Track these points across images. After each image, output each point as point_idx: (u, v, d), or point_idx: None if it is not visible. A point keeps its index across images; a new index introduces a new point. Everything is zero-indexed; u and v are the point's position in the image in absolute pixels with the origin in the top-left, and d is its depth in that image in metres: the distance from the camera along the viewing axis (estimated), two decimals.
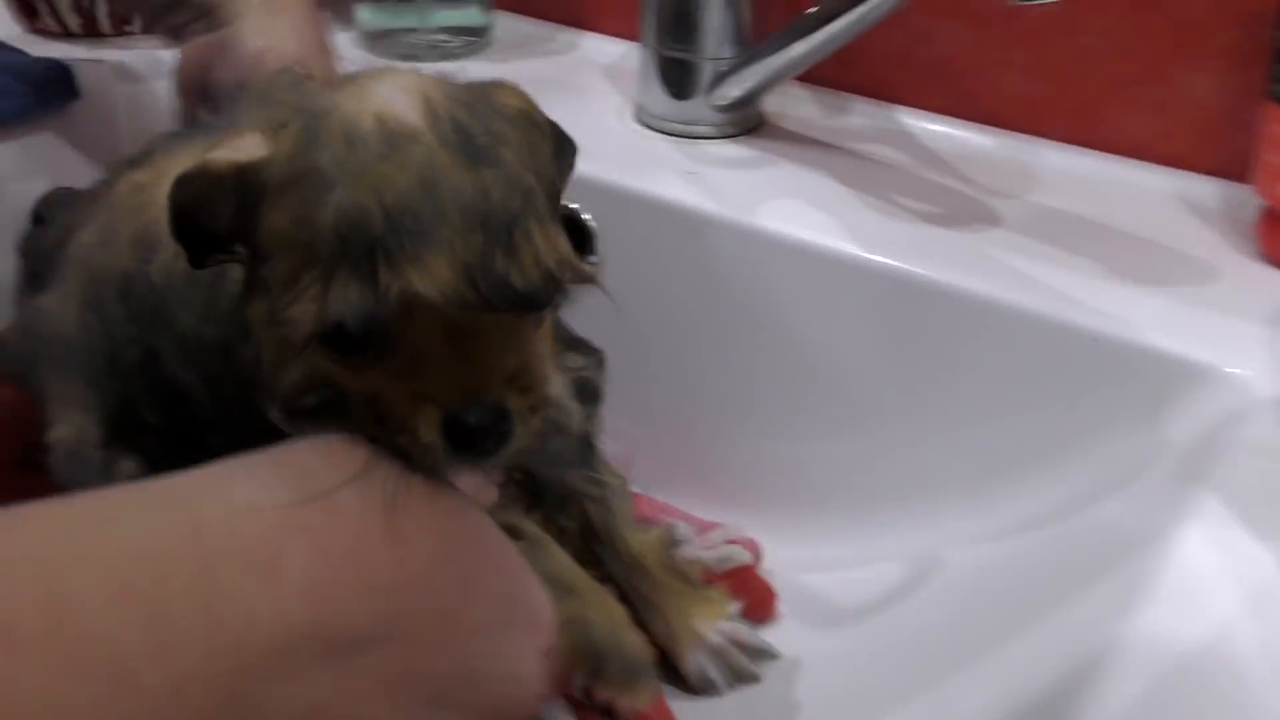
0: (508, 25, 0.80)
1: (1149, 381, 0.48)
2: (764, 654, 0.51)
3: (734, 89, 0.61)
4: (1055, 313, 0.51)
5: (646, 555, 0.51)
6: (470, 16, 0.76)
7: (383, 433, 0.35)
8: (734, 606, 0.51)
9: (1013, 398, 0.53)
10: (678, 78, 0.63)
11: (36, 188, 0.68)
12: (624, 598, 0.51)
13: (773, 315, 0.57)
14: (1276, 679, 0.34)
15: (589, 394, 0.48)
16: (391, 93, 0.34)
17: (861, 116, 0.67)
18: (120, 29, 0.76)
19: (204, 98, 0.54)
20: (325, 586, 0.31)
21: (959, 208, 0.58)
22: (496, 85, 0.38)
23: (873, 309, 0.55)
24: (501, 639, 0.37)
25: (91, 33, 0.76)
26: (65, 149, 0.70)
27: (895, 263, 0.54)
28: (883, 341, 0.55)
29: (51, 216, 0.54)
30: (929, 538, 0.54)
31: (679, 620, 0.51)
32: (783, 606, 0.54)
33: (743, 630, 0.51)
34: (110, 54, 0.74)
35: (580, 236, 0.62)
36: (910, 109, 0.67)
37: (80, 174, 0.70)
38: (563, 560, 0.47)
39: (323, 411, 0.37)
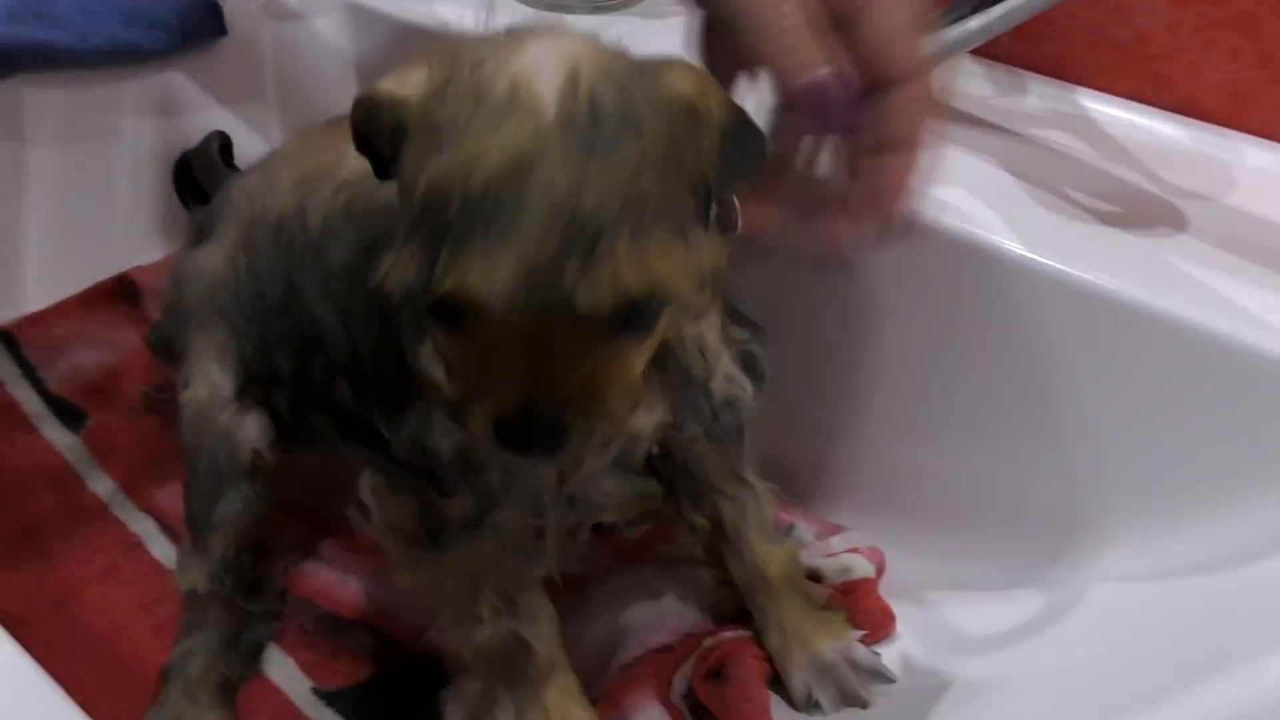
0: None
1: None
2: (879, 677, 0.48)
3: None
4: (1243, 336, 0.45)
5: (771, 567, 0.49)
6: None
7: (456, 405, 0.34)
8: (855, 633, 0.49)
9: (1184, 426, 0.47)
10: None
11: (182, 121, 0.69)
12: (741, 603, 0.50)
13: (920, 312, 0.53)
14: None
15: (755, 371, 0.45)
16: (542, 56, 0.32)
17: (1039, 97, 0.62)
18: None
19: None
20: None
21: (1140, 207, 0.52)
22: (670, 66, 0.34)
23: (1032, 314, 0.50)
24: None
25: None
26: (211, 84, 0.70)
27: (1062, 266, 0.49)
28: (1040, 350, 0.50)
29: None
30: (1073, 569, 0.50)
31: (792, 635, 0.49)
32: (902, 625, 0.51)
33: (859, 650, 0.48)
34: None
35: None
36: (1094, 91, 0.61)
37: (224, 110, 0.71)
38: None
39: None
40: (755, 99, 0.40)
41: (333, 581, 0.53)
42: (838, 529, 0.56)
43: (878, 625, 0.50)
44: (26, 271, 0.62)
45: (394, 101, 0.34)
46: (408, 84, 0.33)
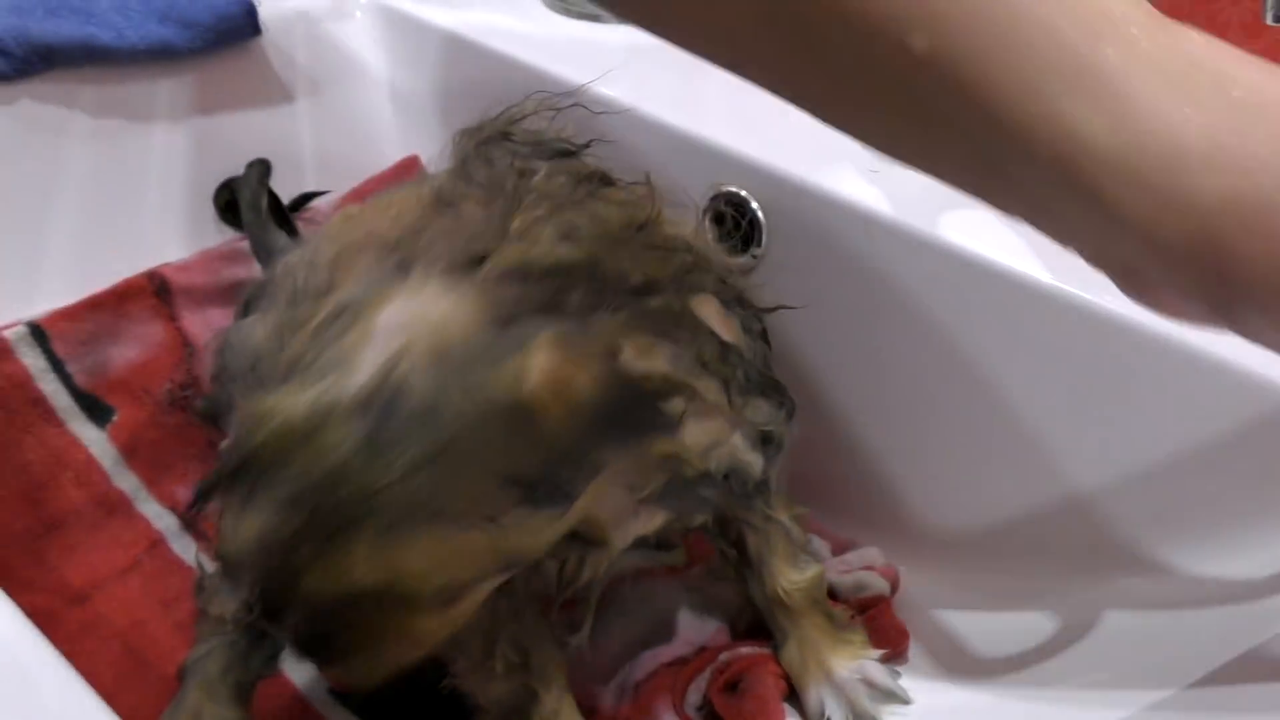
0: None
1: None
2: (893, 697, 0.48)
3: None
4: (1261, 369, 0.45)
5: (793, 595, 0.49)
6: None
7: None
8: (875, 652, 0.49)
9: (1196, 456, 0.48)
10: None
11: (215, 120, 0.69)
12: (758, 617, 0.51)
13: (939, 332, 0.53)
14: None
15: (772, 445, 0.45)
16: (387, 324, 0.31)
17: None
18: None
19: None
20: None
21: None
22: (528, 352, 0.32)
23: (1053, 341, 0.50)
24: None
25: None
26: (244, 84, 0.70)
27: (1082, 294, 0.49)
28: (1059, 376, 0.50)
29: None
30: (1086, 592, 0.50)
31: (810, 651, 0.49)
32: (915, 644, 0.51)
33: (875, 670, 0.49)
34: None
35: (745, 224, 0.59)
36: None
37: (256, 109, 0.71)
38: None
39: None
40: None
41: None
42: (853, 545, 0.56)
43: (893, 643, 0.50)
44: (58, 266, 0.63)
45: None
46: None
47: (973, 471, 0.55)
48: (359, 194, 0.72)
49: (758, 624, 0.51)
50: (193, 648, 0.50)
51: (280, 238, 0.64)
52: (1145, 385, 0.48)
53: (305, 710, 0.51)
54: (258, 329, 0.48)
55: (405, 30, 0.74)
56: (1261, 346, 0.31)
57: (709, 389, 0.40)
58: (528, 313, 0.32)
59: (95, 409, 0.59)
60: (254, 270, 0.67)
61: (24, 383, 0.58)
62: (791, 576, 0.49)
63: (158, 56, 0.65)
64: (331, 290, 0.36)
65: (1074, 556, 0.52)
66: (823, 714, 0.48)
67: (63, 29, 0.63)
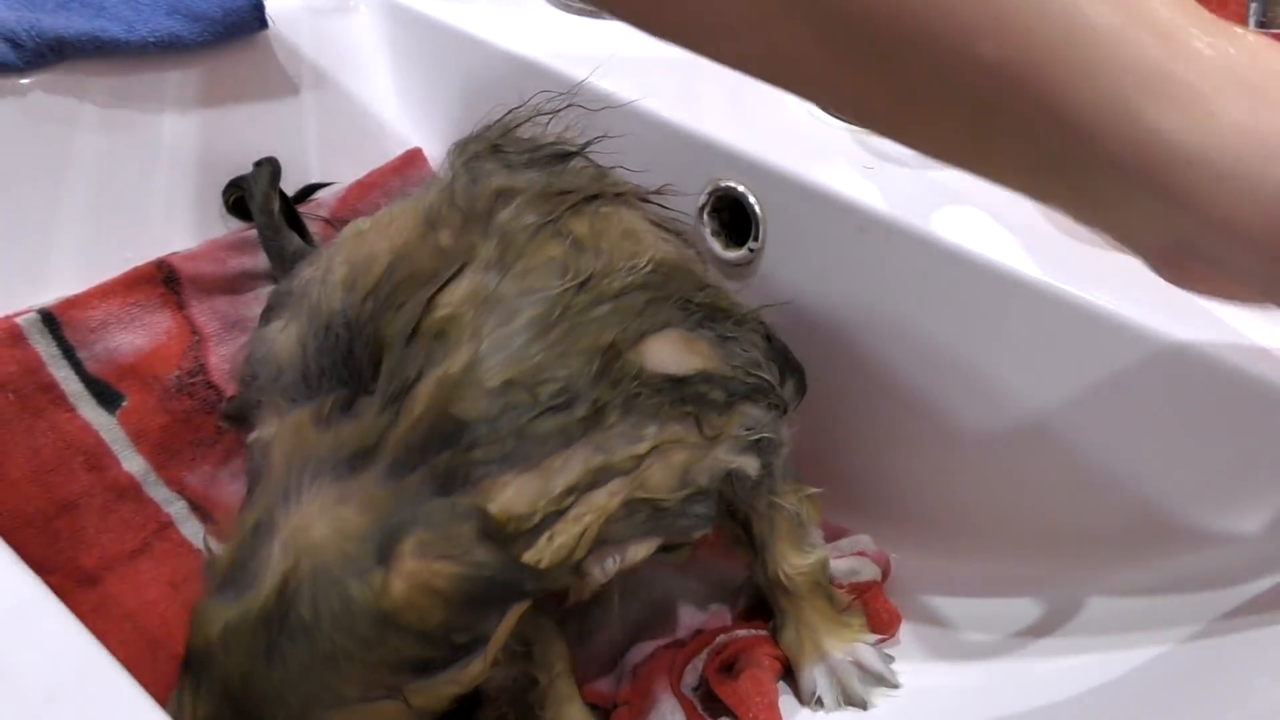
0: None
1: None
2: (882, 681, 0.50)
3: None
4: (1246, 363, 0.46)
5: (795, 579, 0.50)
6: None
7: None
8: (871, 637, 0.50)
9: (1182, 447, 0.49)
10: None
11: (223, 112, 0.70)
12: (755, 599, 0.53)
13: (932, 325, 0.55)
14: None
15: (766, 449, 0.47)
16: (289, 540, 0.36)
17: None
18: None
19: None
20: None
21: None
22: (398, 560, 0.35)
23: (1042, 335, 0.51)
24: None
25: None
26: (251, 76, 0.71)
27: (1074, 290, 0.50)
28: (1049, 370, 0.52)
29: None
30: (1072, 578, 0.52)
31: (807, 633, 0.50)
32: (906, 627, 0.53)
33: (867, 653, 0.50)
34: None
35: (742, 219, 0.61)
36: None
37: (262, 102, 0.72)
38: None
39: None
40: None
41: None
42: (845, 532, 0.57)
43: (884, 626, 0.51)
44: (69, 254, 0.64)
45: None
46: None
47: (962, 461, 0.56)
48: (363, 185, 0.73)
49: (759, 603, 0.53)
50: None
51: (293, 239, 0.65)
52: (1133, 378, 0.49)
53: None
54: (280, 340, 0.49)
55: (409, 24, 0.75)
56: None
57: (672, 433, 0.41)
58: (406, 505, 0.36)
59: (105, 395, 0.60)
60: (260, 260, 0.68)
61: (36, 368, 0.60)
62: (794, 561, 0.50)
63: (166, 49, 0.66)
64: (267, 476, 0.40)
65: (1060, 543, 0.53)
66: (814, 694, 0.49)
67: (73, 22, 0.64)
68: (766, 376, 0.46)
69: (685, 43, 0.37)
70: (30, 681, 0.33)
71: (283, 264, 0.66)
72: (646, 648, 0.52)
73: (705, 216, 0.62)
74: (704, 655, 0.51)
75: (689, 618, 0.53)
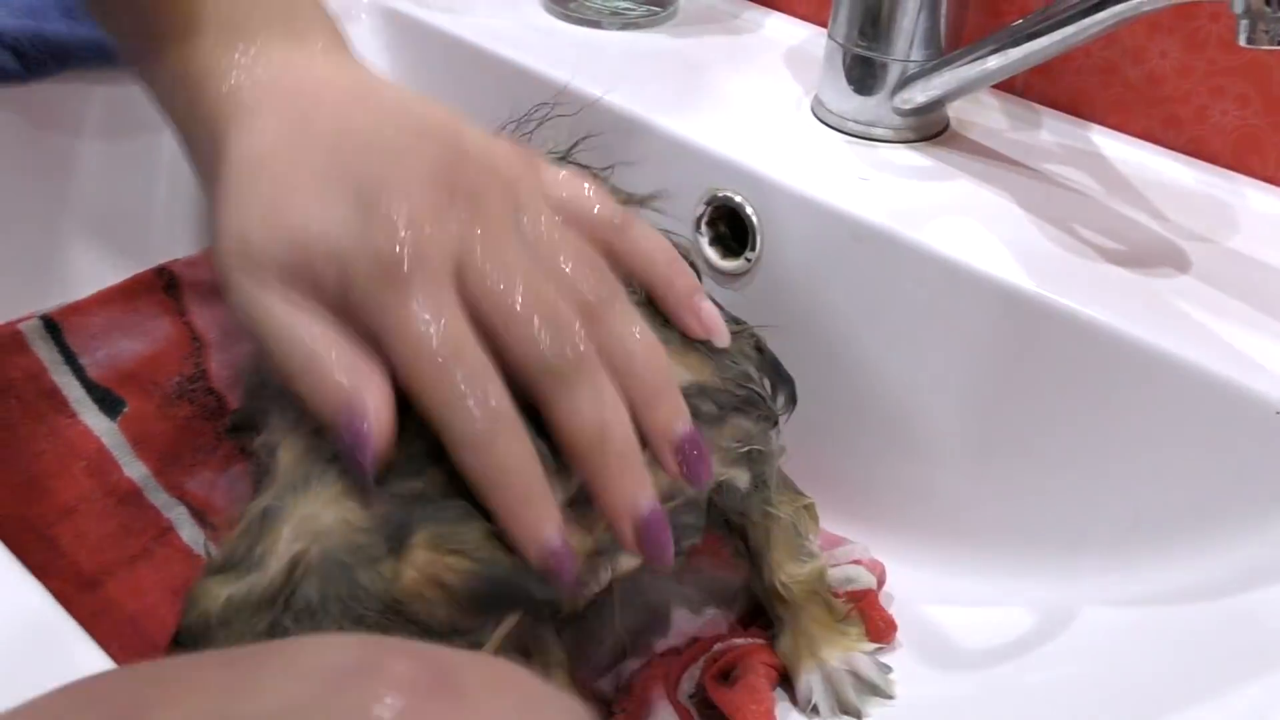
0: None
1: None
2: (877, 691, 0.50)
3: (920, 94, 0.59)
4: (1236, 376, 0.47)
5: (792, 587, 0.50)
6: None
7: None
8: (869, 645, 0.51)
9: (1172, 460, 0.49)
10: (861, 75, 0.60)
11: None
12: (752, 605, 0.53)
13: (926, 336, 0.55)
14: None
15: (757, 461, 0.47)
16: (297, 528, 0.35)
17: (1052, 132, 0.64)
18: None
19: None
20: None
21: (1144, 246, 0.54)
22: (410, 549, 0.35)
23: (1034, 346, 0.52)
24: None
25: None
26: None
27: (1065, 301, 0.51)
28: (1040, 381, 0.52)
29: None
30: (1065, 589, 0.52)
31: (804, 641, 0.51)
32: (901, 638, 0.53)
33: (864, 663, 0.50)
34: None
35: (739, 229, 0.61)
36: (1106, 129, 0.63)
37: None
38: None
39: None
40: None
41: None
42: (841, 541, 0.58)
43: (880, 634, 0.52)
44: (71, 261, 0.64)
45: None
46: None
47: (957, 472, 0.56)
48: None
49: (757, 609, 0.53)
50: None
51: None
52: (1127, 390, 0.50)
53: None
54: None
55: (408, 33, 0.76)
56: None
57: None
58: (417, 504, 0.36)
59: (106, 401, 0.61)
60: None
61: (37, 374, 0.60)
62: (790, 570, 0.50)
63: None
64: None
65: (1054, 555, 0.53)
66: (811, 701, 0.50)
67: (77, 31, 0.65)
68: (758, 389, 0.47)
69: None
70: (34, 687, 0.33)
71: None
72: (643, 654, 0.52)
73: (703, 226, 0.62)
74: (700, 663, 0.51)
75: (685, 625, 0.54)
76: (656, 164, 0.63)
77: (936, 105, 0.61)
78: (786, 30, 0.74)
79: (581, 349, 0.37)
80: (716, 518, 0.51)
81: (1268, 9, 0.43)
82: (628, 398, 0.39)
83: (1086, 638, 0.49)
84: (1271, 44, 0.44)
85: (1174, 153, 0.61)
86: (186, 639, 0.36)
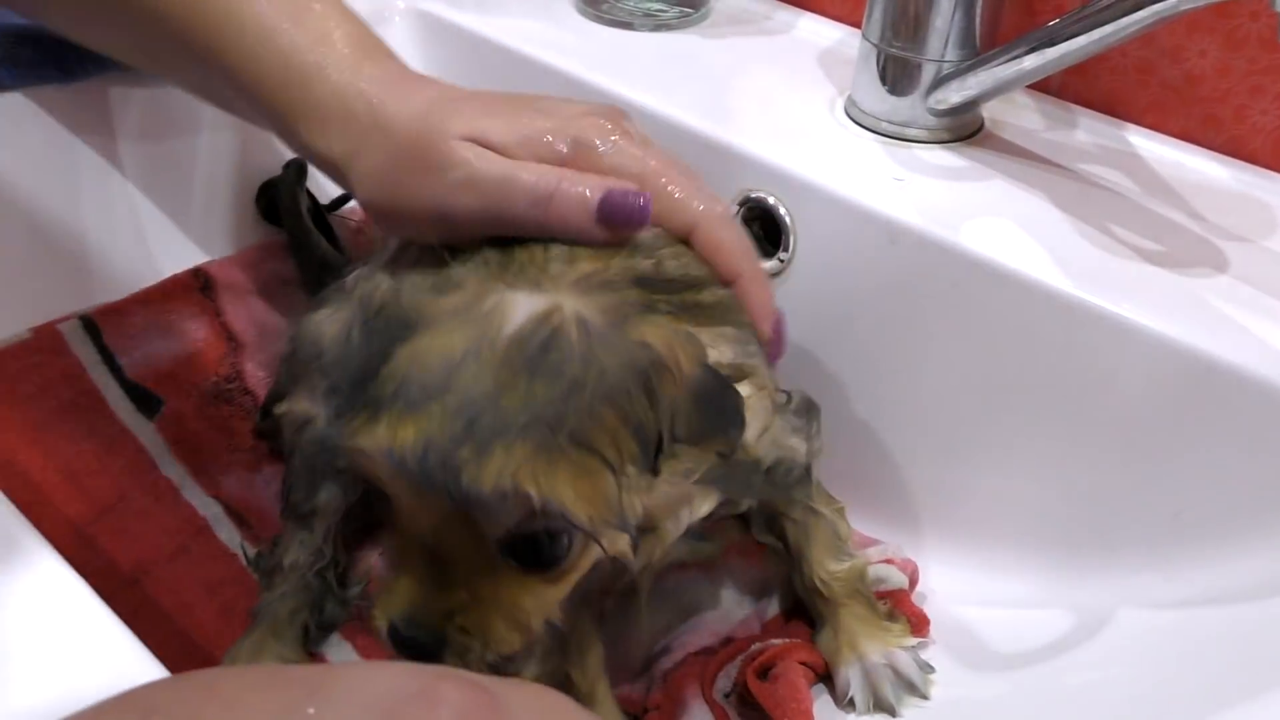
0: None
1: None
2: (914, 690, 0.50)
3: (954, 94, 0.58)
4: (1276, 377, 0.47)
5: (832, 584, 0.51)
6: None
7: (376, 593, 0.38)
8: (910, 640, 0.51)
9: (1212, 461, 0.49)
10: (895, 75, 0.60)
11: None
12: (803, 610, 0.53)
13: (961, 337, 0.55)
14: None
15: (809, 429, 0.48)
16: (528, 295, 0.36)
17: (1088, 132, 0.63)
18: None
19: None
20: None
21: (1183, 246, 0.54)
22: (648, 319, 0.38)
23: (1070, 347, 0.51)
24: None
25: None
26: None
27: (1101, 302, 0.50)
28: (1076, 381, 0.52)
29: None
30: (1102, 591, 0.52)
31: (844, 637, 0.51)
32: (935, 638, 0.53)
33: (903, 659, 0.50)
34: None
35: (773, 230, 0.61)
36: (1143, 129, 0.63)
37: None
38: None
39: None
40: None
41: None
42: (873, 541, 0.57)
43: (914, 630, 0.52)
44: (109, 262, 0.65)
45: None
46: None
47: (991, 472, 0.56)
48: None
49: (795, 608, 0.53)
50: (262, 595, 0.53)
51: (321, 243, 0.66)
52: (1164, 391, 0.50)
53: None
54: (326, 324, 0.51)
55: (442, 35, 0.76)
56: None
57: (757, 368, 0.43)
58: (635, 312, 0.38)
59: (144, 400, 0.61)
60: (293, 266, 0.69)
61: (77, 374, 0.61)
62: (830, 567, 0.51)
63: None
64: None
65: (1090, 555, 0.53)
66: (848, 694, 0.50)
67: None
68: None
69: None
70: (77, 681, 0.34)
71: (311, 268, 0.66)
72: (677, 654, 0.52)
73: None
74: (738, 662, 0.51)
75: (718, 624, 0.54)
76: (690, 164, 0.63)
77: (971, 105, 0.60)
78: (819, 31, 0.74)
79: None
80: (758, 516, 0.51)
81: None
82: None
83: (1123, 640, 0.49)
84: None
85: (1212, 152, 0.61)
86: (411, 385, 0.35)
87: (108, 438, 0.59)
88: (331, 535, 0.54)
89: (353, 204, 0.72)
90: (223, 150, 0.70)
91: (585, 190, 0.41)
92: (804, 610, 0.53)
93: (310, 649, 0.53)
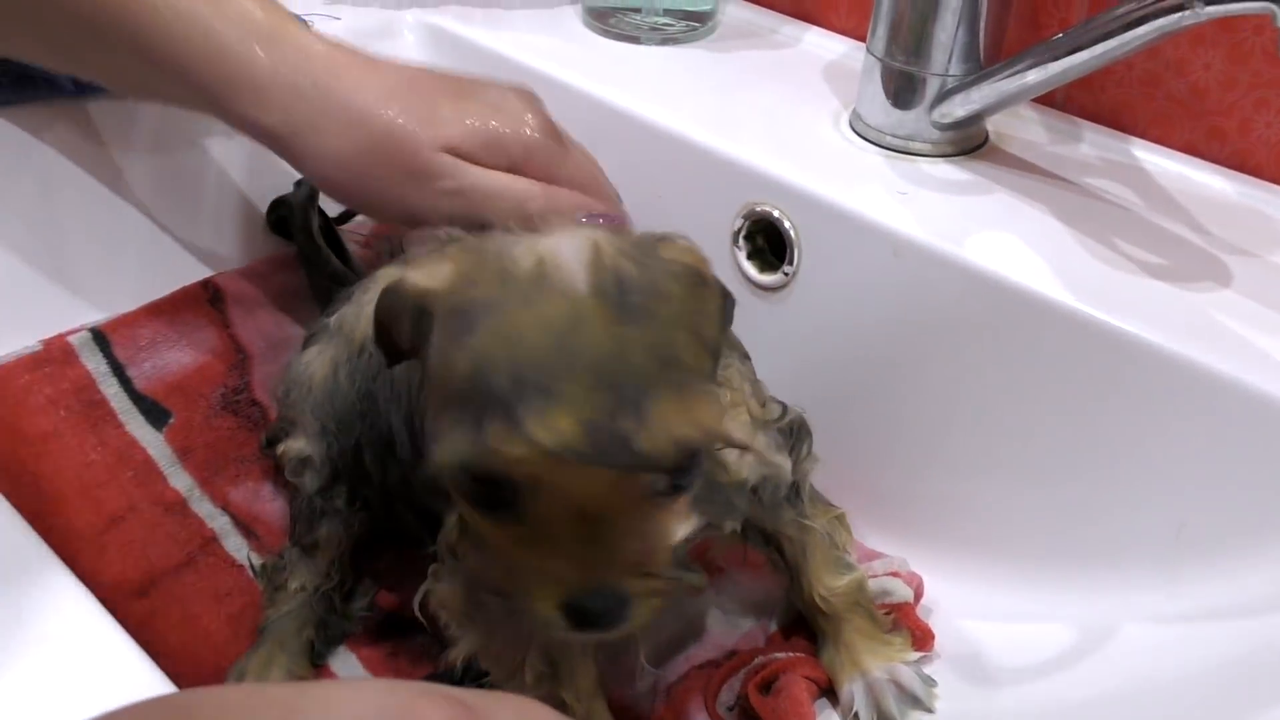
0: (733, 12, 0.79)
1: None
2: (918, 704, 0.50)
3: (959, 108, 0.59)
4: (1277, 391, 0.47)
5: (831, 600, 0.51)
6: (696, 0, 0.75)
7: (509, 591, 0.36)
8: (913, 655, 0.51)
9: (1216, 476, 0.49)
10: (900, 89, 0.61)
11: None
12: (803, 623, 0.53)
13: (966, 351, 0.55)
14: None
15: (798, 441, 0.48)
16: (561, 239, 0.35)
17: (1093, 146, 0.63)
18: None
19: None
20: None
21: (1187, 260, 0.54)
22: (666, 239, 0.38)
23: (1074, 361, 0.51)
24: None
25: None
26: None
27: (1105, 316, 0.50)
28: (1080, 395, 0.52)
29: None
30: (1107, 606, 0.52)
31: (846, 652, 0.51)
32: (940, 652, 0.53)
33: (905, 673, 0.50)
34: (345, 10, 0.76)
35: (777, 243, 0.61)
36: (1147, 143, 0.63)
37: None
38: None
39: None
40: None
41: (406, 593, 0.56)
42: (877, 554, 0.57)
43: (918, 644, 0.52)
44: (120, 274, 0.65)
45: (420, 292, 0.36)
46: (435, 276, 0.36)
47: (996, 486, 0.56)
48: None
49: (798, 621, 0.53)
50: (266, 612, 0.54)
51: (331, 259, 0.66)
52: (1169, 405, 0.49)
53: None
54: (314, 364, 0.52)
55: (451, 49, 0.76)
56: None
57: (733, 378, 0.44)
58: (650, 239, 0.38)
59: (153, 412, 0.62)
60: (302, 279, 0.70)
61: (87, 385, 0.61)
62: (829, 583, 0.50)
63: None
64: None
65: (1095, 570, 0.53)
66: (852, 709, 0.50)
67: None
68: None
69: None
70: (84, 693, 0.34)
71: (321, 283, 0.67)
72: (680, 667, 0.52)
73: (741, 240, 0.63)
74: (741, 675, 0.51)
75: (721, 637, 0.54)
76: (695, 178, 0.64)
77: (975, 119, 0.61)
78: (825, 45, 0.75)
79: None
80: (753, 533, 0.51)
81: None
82: None
83: (1128, 655, 0.49)
84: None
85: (1217, 166, 0.61)
86: (535, 376, 0.32)
87: (116, 449, 0.60)
88: (336, 564, 0.55)
89: (360, 217, 0.73)
90: (234, 162, 0.70)
91: (567, 210, 0.48)
92: (807, 623, 0.53)
93: (316, 662, 0.54)
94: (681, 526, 0.37)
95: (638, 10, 0.75)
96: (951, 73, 0.59)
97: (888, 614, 0.52)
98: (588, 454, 0.32)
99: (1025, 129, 0.65)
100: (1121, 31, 0.50)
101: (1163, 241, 0.55)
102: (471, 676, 0.46)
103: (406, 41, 0.77)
